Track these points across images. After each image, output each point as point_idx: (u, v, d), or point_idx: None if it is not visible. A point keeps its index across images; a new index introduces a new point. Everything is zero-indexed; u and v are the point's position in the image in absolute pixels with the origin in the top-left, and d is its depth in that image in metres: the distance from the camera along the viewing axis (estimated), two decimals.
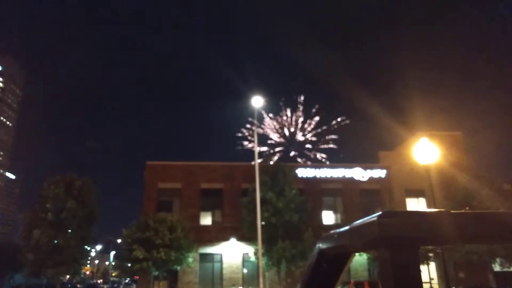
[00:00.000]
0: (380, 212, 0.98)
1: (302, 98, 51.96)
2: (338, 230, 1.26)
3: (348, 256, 1.40)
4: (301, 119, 51.81)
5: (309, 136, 51.16)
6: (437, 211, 1.03)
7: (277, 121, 52.16)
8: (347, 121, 50.37)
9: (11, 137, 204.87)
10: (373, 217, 0.99)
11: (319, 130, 50.78)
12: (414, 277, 0.94)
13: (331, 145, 49.73)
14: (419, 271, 0.95)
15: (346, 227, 1.17)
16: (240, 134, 49.48)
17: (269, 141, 51.83)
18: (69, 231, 29.05)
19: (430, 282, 27.88)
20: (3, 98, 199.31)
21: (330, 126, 50.31)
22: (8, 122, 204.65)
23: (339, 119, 50.17)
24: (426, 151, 14.33)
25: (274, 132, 51.94)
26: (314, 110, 51.81)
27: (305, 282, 1.50)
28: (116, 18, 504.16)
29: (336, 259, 1.39)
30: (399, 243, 0.94)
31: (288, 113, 52.05)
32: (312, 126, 51.19)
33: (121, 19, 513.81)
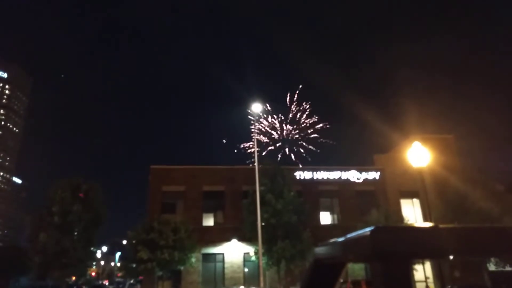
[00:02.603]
0: (372, 227, 1.00)
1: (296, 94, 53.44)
2: (333, 240, 1.28)
3: (343, 265, 1.46)
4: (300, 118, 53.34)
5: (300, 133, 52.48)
6: (427, 227, 1.05)
7: (274, 120, 53.37)
8: (327, 125, 52.22)
9: (17, 143, 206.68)
10: (366, 231, 1.01)
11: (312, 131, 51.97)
12: None
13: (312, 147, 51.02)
14: (411, 284, 1.00)
15: (341, 238, 1.19)
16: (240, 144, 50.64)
17: (266, 140, 53.02)
18: (75, 233, 29.44)
19: (426, 281, 28.43)
20: (10, 105, 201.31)
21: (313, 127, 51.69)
22: (14, 128, 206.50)
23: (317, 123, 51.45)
24: (419, 154, 15.11)
25: (272, 130, 53.07)
26: (307, 106, 53.13)
27: None
28: (123, 23, 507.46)
29: (332, 267, 1.43)
30: (391, 257, 0.97)
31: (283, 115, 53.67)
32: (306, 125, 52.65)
33: (128, 25, 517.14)
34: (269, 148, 52.36)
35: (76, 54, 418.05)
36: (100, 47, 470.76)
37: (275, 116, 53.93)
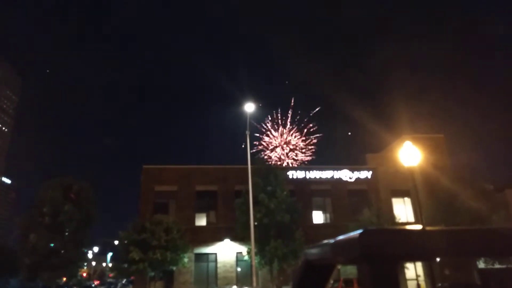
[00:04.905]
0: (361, 230, 1.01)
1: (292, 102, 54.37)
2: (323, 242, 1.28)
3: (333, 267, 1.46)
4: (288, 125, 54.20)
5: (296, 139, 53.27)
6: (415, 229, 1.06)
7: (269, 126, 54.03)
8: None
9: (6, 142, 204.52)
10: (355, 234, 1.01)
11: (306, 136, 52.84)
12: None
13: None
14: (398, 285, 1.00)
15: (331, 240, 1.19)
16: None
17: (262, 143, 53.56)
18: (66, 234, 29.23)
19: (417, 279, 28.78)
20: None
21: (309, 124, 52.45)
22: (3, 128, 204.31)
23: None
24: (410, 154, 15.28)
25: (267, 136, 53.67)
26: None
27: None
28: (115, 23, 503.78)
29: (322, 269, 1.43)
30: (379, 259, 0.97)
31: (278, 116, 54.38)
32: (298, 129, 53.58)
33: (120, 24, 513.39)
34: (264, 151, 52.89)
35: (68, 53, 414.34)
36: (92, 45, 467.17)
37: (270, 119, 54.64)
